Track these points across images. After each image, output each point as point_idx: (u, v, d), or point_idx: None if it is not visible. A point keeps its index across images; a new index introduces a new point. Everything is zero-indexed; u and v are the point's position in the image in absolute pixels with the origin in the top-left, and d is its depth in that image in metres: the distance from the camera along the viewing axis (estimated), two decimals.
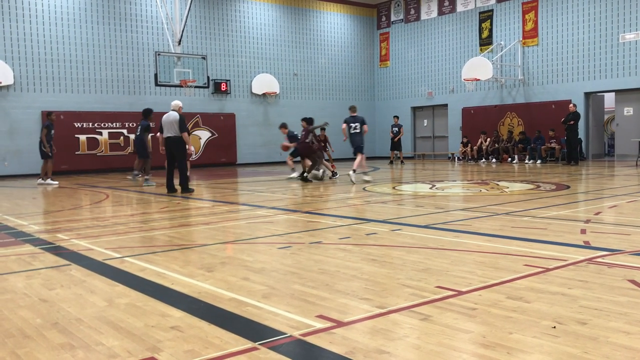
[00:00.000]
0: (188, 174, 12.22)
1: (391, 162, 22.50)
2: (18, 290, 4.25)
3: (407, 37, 26.36)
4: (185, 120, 11.63)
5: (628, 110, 20.07)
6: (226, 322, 3.38)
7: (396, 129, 22.41)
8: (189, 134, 12.15)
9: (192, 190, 11.90)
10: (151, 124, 14.93)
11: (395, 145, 22.42)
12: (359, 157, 13.67)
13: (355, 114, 14.20)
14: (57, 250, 5.80)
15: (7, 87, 18.34)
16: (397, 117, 23.33)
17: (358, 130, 13.85)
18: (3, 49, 18.23)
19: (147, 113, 14.82)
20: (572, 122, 18.09)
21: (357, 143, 13.88)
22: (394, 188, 11.99)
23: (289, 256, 5.24)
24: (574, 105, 18.76)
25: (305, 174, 13.90)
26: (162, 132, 11.75)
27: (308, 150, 14.07)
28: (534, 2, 21.67)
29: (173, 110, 11.63)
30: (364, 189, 11.82)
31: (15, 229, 7.39)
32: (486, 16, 23.19)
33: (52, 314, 3.63)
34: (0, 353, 2.98)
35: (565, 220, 7.00)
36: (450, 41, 24.58)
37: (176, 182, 11.97)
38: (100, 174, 19.34)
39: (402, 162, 22.20)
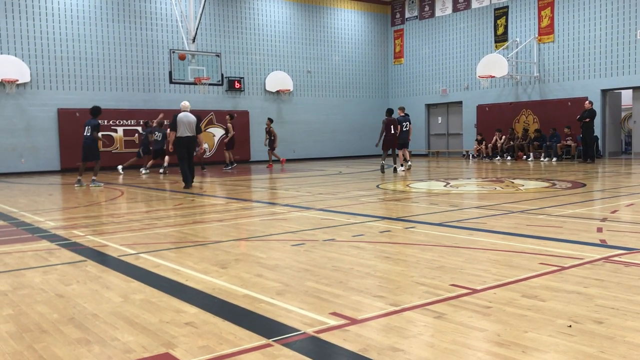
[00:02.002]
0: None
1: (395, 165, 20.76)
2: (35, 285, 4.30)
3: (421, 34, 26.23)
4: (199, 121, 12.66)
5: None
6: (240, 318, 3.39)
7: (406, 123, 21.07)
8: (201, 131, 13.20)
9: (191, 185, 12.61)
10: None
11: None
12: (402, 152, 15.84)
13: (404, 114, 16.03)
14: (73, 247, 5.86)
15: (24, 84, 18.54)
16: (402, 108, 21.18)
17: (407, 129, 15.78)
18: (20, 47, 18.43)
19: (96, 112, 13.54)
20: (587, 120, 17.91)
21: (405, 140, 15.82)
22: (407, 186, 11.96)
23: (303, 253, 5.25)
24: (590, 103, 18.57)
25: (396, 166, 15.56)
26: (174, 131, 12.30)
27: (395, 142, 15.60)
28: None
29: (186, 111, 12.47)
30: (377, 186, 11.80)
31: (32, 225, 7.48)
32: (501, 13, 23.00)
33: (69, 309, 3.67)
34: (17, 347, 3.02)
35: (581, 218, 6.93)
36: (465, 38, 24.42)
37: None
38: (115, 170, 19.47)
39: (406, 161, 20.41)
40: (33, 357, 2.87)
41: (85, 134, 13.39)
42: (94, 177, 13.63)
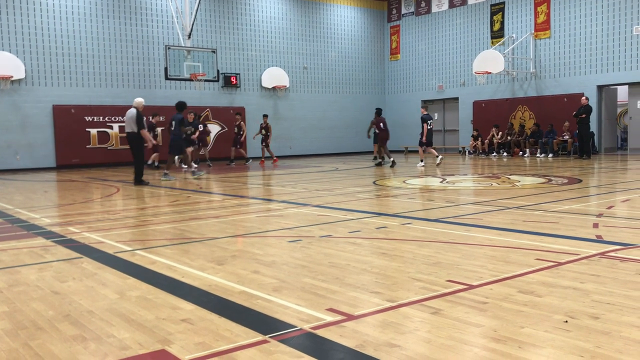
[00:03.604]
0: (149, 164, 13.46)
1: (381, 159, 18.86)
2: (30, 282, 4.29)
3: (417, 30, 26.21)
4: (142, 118, 12.27)
5: None
6: (237, 315, 3.38)
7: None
8: (159, 129, 13.27)
9: (147, 183, 12.40)
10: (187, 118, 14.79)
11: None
12: (425, 150, 16.45)
13: (427, 112, 16.69)
14: (69, 243, 5.84)
15: (19, 81, 18.45)
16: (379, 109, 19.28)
17: (431, 127, 16.46)
18: (15, 43, 18.34)
19: (182, 106, 14.12)
20: (584, 116, 17.95)
21: (430, 138, 16.51)
22: (404, 182, 11.96)
23: (299, 250, 5.24)
24: (586, 99, 18.61)
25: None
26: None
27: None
28: None
29: (134, 107, 12.23)
30: (374, 182, 11.79)
31: (28, 222, 7.45)
32: (498, 9, 23.00)
33: (64, 306, 3.66)
34: (13, 344, 3.00)
35: (577, 214, 6.94)
36: (461, 34, 24.42)
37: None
38: (110, 167, 19.44)
39: (384, 158, 18.55)
40: (29, 355, 2.86)
41: (172, 128, 13.85)
42: (166, 171, 13.87)
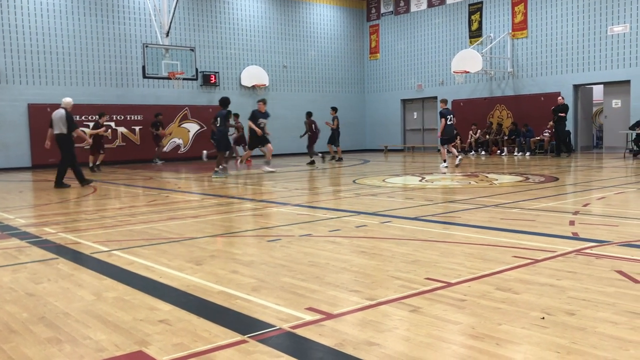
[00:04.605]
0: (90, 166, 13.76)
1: (332, 158, 19.34)
2: (4, 284, 4.20)
3: (397, 30, 26.32)
4: (72, 118, 11.90)
5: (616, 103, 20.18)
6: (215, 315, 3.36)
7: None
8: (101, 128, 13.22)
9: (68, 186, 12.02)
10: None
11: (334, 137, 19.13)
12: (447, 147, 15.59)
13: (446, 107, 15.77)
14: (44, 244, 5.75)
15: None
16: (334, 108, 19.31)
17: (452, 122, 15.52)
18: None
19: (226, 102, 13.88)
20: (563, 115, 18.22)
21: (452, 134, 15.89)
22: (383, 180, 12.00)
23: (279, 249, 5.23)
24: (563, 98, 18.89)
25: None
26: (52, 128, 11.93)
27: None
28: None
29: (63, 107, 11.85)
30: (354, 181, 11.82)
31: (1, 222, 7.32)
32: (476, 8, 23.19)
33: (39, 308, 3.60)
34: None
35: (554, 211, 7.03)
36: (440, 33, 24.57)
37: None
38: (86, 167, 19.17)
39: (338, 159, 19.16)
40: (2, 358, 2.81)
41: (217, 125, 13.76)
42: (216, 169, 13.78)
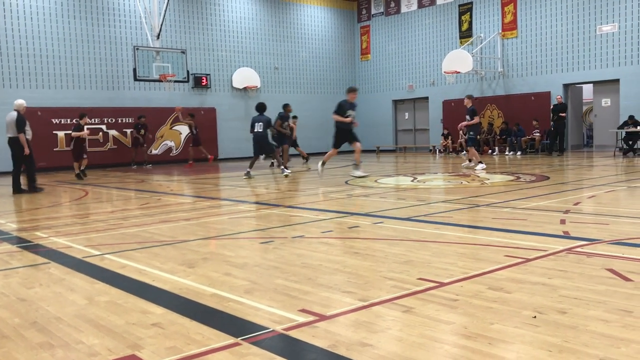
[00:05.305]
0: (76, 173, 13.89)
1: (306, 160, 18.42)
2: None
3: (387, 30, 26.38)
4: (24, 121, 11.53)
5: (606, 102, 20.33)
6: (208, 318, 3.35)
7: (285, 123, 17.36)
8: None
9: (41, 190, 11.88)
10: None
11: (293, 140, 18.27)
12: (474, 151, 14.60)
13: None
14: (36, 249, 5.72)
15: None
16: (287, 105, 17.89)
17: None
18: None
19: (263, 107, 14.12)
20: (564, 114, 18.41)
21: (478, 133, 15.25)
22: (375, 181, 12.02)
23: (271, 251, 5.22)
24: (561, 97, 19.13)
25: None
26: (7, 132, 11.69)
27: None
28: None
29: (15, 110, 11.55)
30: (346, 182, 11.83)
31: None
32: (466, 9, 23.28)
33: (31, 313, 3.58)
34: None
35: (545, 210, 7.06)
36: (430, 34, 24.65)
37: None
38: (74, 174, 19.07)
39: (306, 159, 18.49)
40: None
41: (256, 130, 13.85)
42: (282, 167, 14.13)
